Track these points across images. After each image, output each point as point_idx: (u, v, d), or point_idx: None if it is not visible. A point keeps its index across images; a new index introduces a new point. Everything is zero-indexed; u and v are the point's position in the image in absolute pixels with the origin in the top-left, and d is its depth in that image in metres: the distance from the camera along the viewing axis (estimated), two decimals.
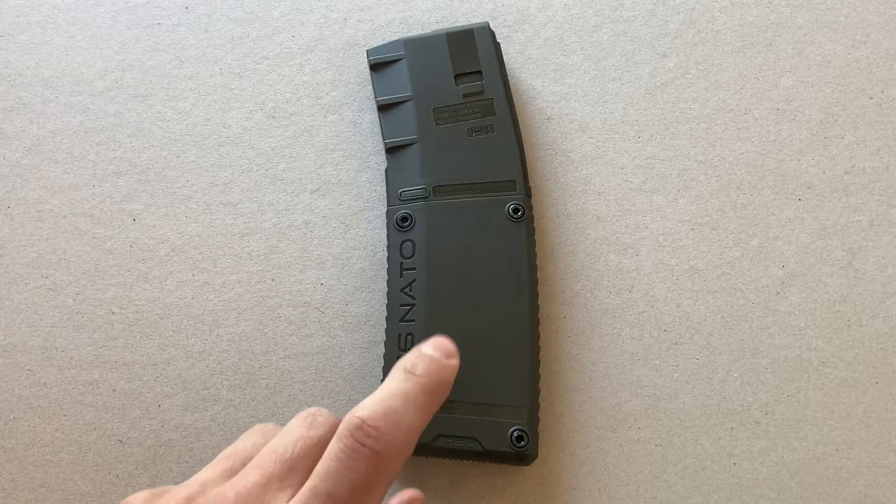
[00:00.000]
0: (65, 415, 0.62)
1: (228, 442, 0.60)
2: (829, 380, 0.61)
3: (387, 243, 0.61)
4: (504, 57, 0.66)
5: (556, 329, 0.62)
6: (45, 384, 0.62)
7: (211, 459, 0.60)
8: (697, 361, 0.61)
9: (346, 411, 0.60)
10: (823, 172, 0.64)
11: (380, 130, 0.64)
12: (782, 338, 0.61)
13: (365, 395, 0.61)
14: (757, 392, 0.61)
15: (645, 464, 0.60)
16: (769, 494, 0.59)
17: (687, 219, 0.64)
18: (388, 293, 0.60)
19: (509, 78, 0.65)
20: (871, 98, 0.65)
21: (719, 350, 0.61)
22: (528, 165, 0.64)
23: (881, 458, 0.60)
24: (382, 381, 0.58)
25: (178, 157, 0.66)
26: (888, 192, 0.64)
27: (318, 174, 0.65)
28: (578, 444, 0.60)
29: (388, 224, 0.61)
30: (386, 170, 0.63)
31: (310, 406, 0.61)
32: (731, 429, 0.60)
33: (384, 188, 0.63)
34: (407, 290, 0.59)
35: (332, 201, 0.65)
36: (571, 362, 0.62)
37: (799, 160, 0.64)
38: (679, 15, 0.68)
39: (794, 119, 0.65)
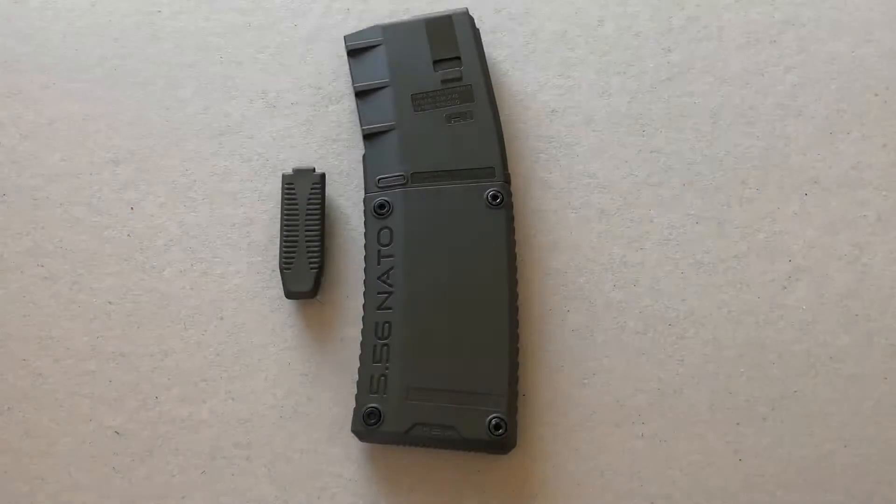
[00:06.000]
0: (60, 406, 0.61)
1: (227, 435, 0.60)
2: (836, 375, 0.60)
3: (364, 231, 0.61)
4: (508, 50, 0.66)
5: (560, 323, 0.62)
6: (40, 374, 0.61)
7: (210, 452, 0.59)
8: (703, 356, 0.61)
9: (348, 403, 0.59)
10: (829, 168, 0.64)
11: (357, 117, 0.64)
12: (789, 333, 0.61)
13: None
14: (763, 387, 0.60)
15: (650, 460, 0.59)
16: (776, 491, 0.59)
17: (692, 213, 0.63)
18: (365, 281, 0.59)
19: (514, 70, 0.65)
20: (876, 95, 0.65)
21: (725, 345, 0.61)
22: (531, 158, 0.64)
23: (890, 454, 0.59)
24: (359, 370, 0.58)
25: (177, 145, 0.65)
26: (895, 187, 0.63)
27: (320, 164, 0.64)
28: (582, 439, 0.60)
29: (365, 211, 0.61)
30: (363, 156, 0.62)
31: (309, 398, 0.60)
32: (738, 424, 0.60)
33: None
34: (384, 277, 0.59)
35: (333, 191, 0.64)
36: (575, 357, 0.61)
37: (805, 155, 0.64)
38: (684, 11, 0.67)
39: (799, 115, 0.65)
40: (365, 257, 0.60)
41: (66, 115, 0.65)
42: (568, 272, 0.63)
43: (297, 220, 0.61)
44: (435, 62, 0.62)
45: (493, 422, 0.56)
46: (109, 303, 0.62)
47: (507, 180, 0.60)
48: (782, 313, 0.61)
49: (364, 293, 0.59)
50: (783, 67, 0.66)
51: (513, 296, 0.58)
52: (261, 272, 0.63)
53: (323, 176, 0.62)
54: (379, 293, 0.59)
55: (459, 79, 0.62)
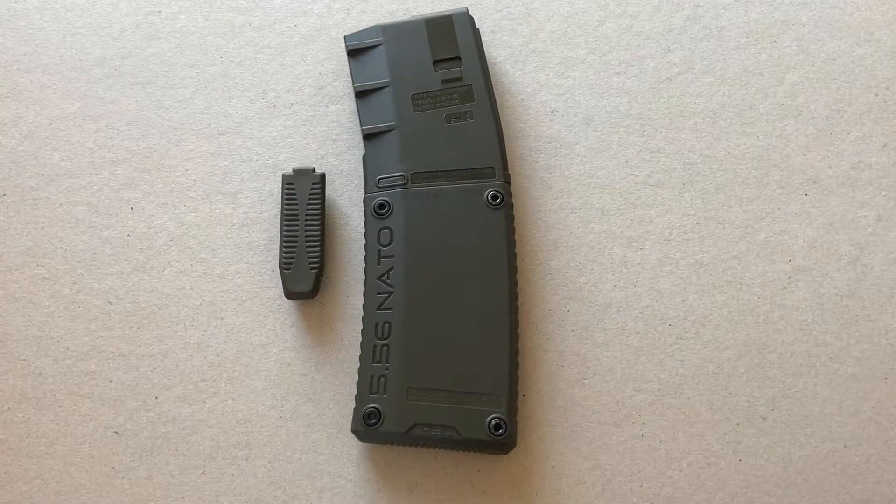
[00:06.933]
0: (60, 406, 0.61)
1: (227, 435, 0.60)
2: (836, 375, 0.60)
3: (364, 231, 0.61)
4: (508, 50, 0.66)
5: (560, 323, 0.62)
6: (40, 374, 0.61)
7: (209, 453, 0.59)
8: (703, 356, 0.61)
9: (348, 403, 0.59)
10: (829, 168, 0.64)
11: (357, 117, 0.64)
12: (789, 333, 0.61)
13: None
14: (763, 387, 0.60)
15: (649, 459, 0.59)
16: (775, 491, 0.59)
17: (692, 213, 0.63)
18: (365, 281, 0.59)
19: (514, 70, 0.65)
20: (876, 95, 0.65)
21: (725, 345, 0.61)
22: (531, 158, 0.64)
23: (890, 454, 0.59)
24: (359, 370, 0.58)
25: (177, 145, 0.65)
26: (895, 187, 0.63)
27: (320, 164, 0.64)
28: (582, 439, 0.60)
29: (365, 211, 0.61)
30: (364, 157, 0.62)
31: (309, 399, 0.60)
32: (737, 424, 0.60)
33: None
34: (384, 277, 0.59)
35: (333, 191, 0.64)
36: (574, 357, 0.61)
37: (805, 155, 0.64)
38: (683, 11, 0.67)
39: (799, 115, 0.65)
40: (365, 257, 0.60)
41: (65, 114, 0.65)
42: (568, 272, 0.63)
43: (297, 220, 0.61)
44: (435, 62, 0.62)
45: (493, 422, 0.56)
46: (109, 303, 0.62)
47: (507, 180, 0.60)
48: (782, 313, 0.61)
49: (364, 293, 0.59)
50: (783, 67, 0.66)
51: (513, 296, 0.58)
52: (261, 272, 0.63)
53: (323, 176, 0.62)
54: (379, 293, 0.59)
55: (459, 79, 0.62)
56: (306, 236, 0.61)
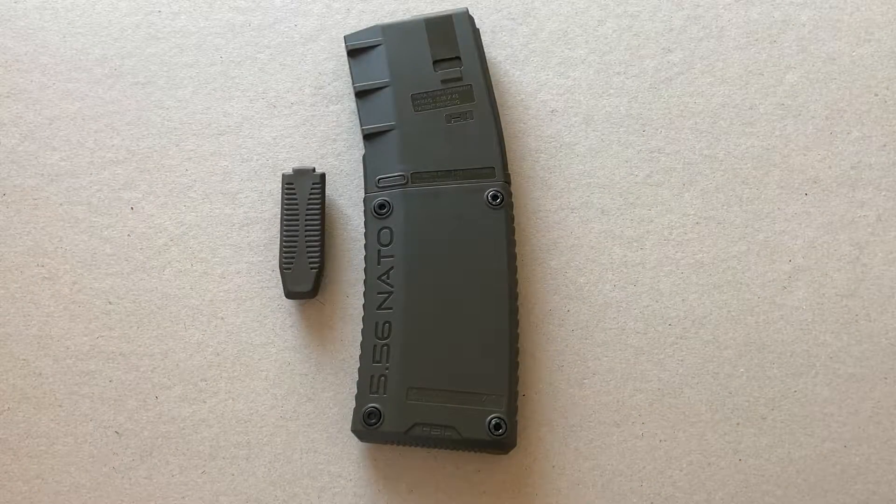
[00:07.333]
0: (60, 405, 0.61)
1: (227, 435, 0.60)
2: (836, 375, 0.60)
3: (364, 231, 0.61)
4: (508, 50, 0.66)
5: (560, 323, 0.62)
6: (40, 374, 0.61)
7: (209, 452, 0.59)
8: (703, 356, 0.61)
9: (348, 403, 0.59)
10: (829, 167, 0.64)
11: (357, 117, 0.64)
12: (789, 332, 0.61)
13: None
14: (763, 387, 0.60)
15: (649, 459, 0.59)
16: (775, 491, 0.59)
17: (692, 213, 0.63)
18: (365, 281, 0.59)
19: (514, 70, 0.65)
20: (876, 95, 0.65)
21: (725, 345, 0.61)
22: (531, 158, 0.64)
23: (890, 454, 0.59)
24: (359, 370, 0.58)
25: (177, 145, 0.65)
26: (895, 187, 0.63)
27: (320, 164, 0.64)
28: (582, 439, 0.60)
29: (365, 211, 0.61)
30: (363, 156, 0.62)
31: (309, 399, 0.60)
32: (737, 424, 0.60)
33: None
34: (384, 277, 0.59)
35: (333, 191, 0.64)
36: (575, 357, 0.61)
37: (805, 155, 0.64)
38: (683, 11, 0.67)
39: (799, 115, 0.65)
40: (365, 257, 0.60)
41: (65, 114, 0.65)
42: (568, 272, 0.63)
43: (297, 220, 0.61)
44: (435, 62, 0.62)
45: (493, 422, 0.56)
46: (109, 303, 0.62)
47: (507, 180, 0.60)
48: (782, 313, 0.61)
49: (364, 293, 0.59)
50: (783, 67, 0.66)
51: (513, 296, 0.58)
52: (261, 272, 0.63)
53: (323, 176, 0.62)
54: (379, 293, 0.59)
55: (459, 79, 0.62)
56: (306, 236, 0.61)
